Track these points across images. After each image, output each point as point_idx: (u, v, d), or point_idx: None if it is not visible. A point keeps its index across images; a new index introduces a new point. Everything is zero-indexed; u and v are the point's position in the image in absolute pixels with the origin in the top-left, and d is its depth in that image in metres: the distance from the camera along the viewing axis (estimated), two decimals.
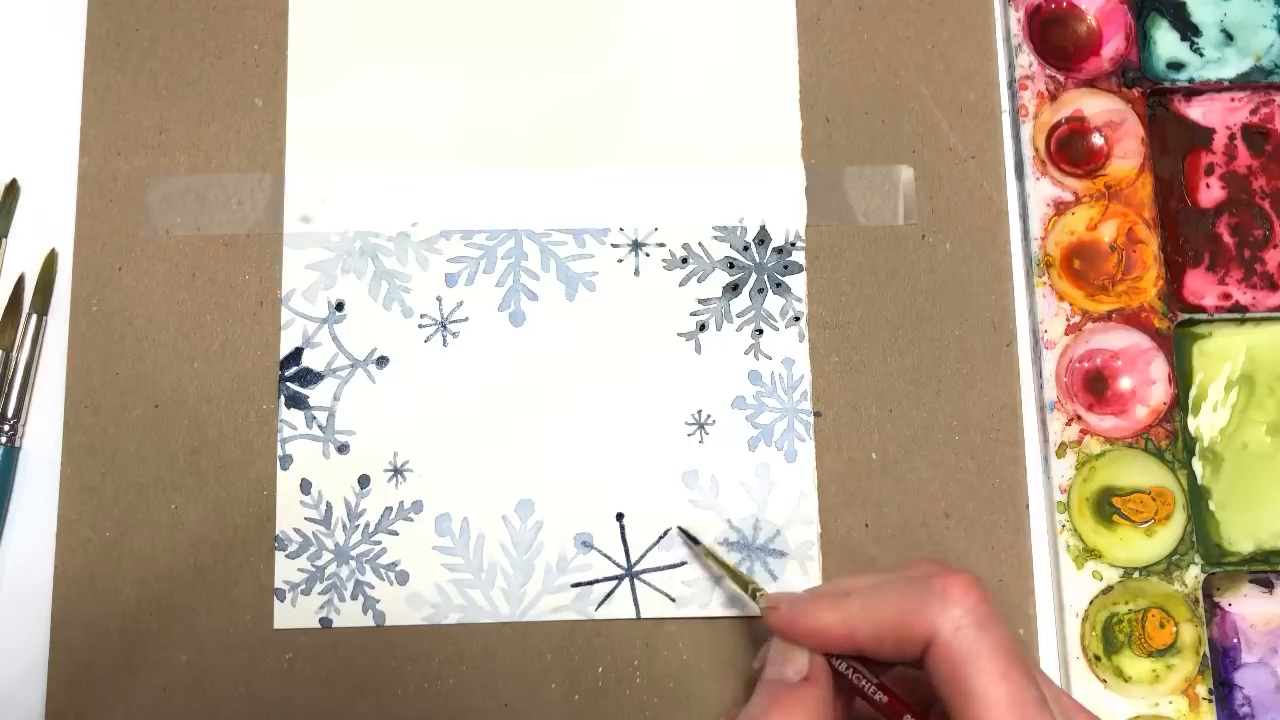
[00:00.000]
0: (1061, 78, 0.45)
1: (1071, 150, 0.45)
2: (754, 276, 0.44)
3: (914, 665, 0.33)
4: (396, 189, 0.44)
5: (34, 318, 0.43)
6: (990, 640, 0.31)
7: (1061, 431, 0.43)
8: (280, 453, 0.42)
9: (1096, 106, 0.45)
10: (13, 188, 0.44)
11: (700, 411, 0.43)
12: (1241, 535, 0.43)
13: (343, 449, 0.42)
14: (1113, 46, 0.46)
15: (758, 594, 0.38)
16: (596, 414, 0.43)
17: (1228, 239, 0.45)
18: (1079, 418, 0.43)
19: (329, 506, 0.42)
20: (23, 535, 0.42)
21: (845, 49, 0.45)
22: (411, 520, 0.42)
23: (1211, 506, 0.43)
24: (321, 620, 0.41)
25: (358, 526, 0.42)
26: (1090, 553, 0.42)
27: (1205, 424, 0.44)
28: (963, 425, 0.43)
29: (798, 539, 0.42)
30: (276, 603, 0.41)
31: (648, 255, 0.44)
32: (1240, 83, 0.46)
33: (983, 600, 0.32)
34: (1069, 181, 0.45)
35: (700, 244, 0.44)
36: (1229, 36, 0.46)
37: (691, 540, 0.41)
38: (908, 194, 0.44)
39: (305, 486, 0.42)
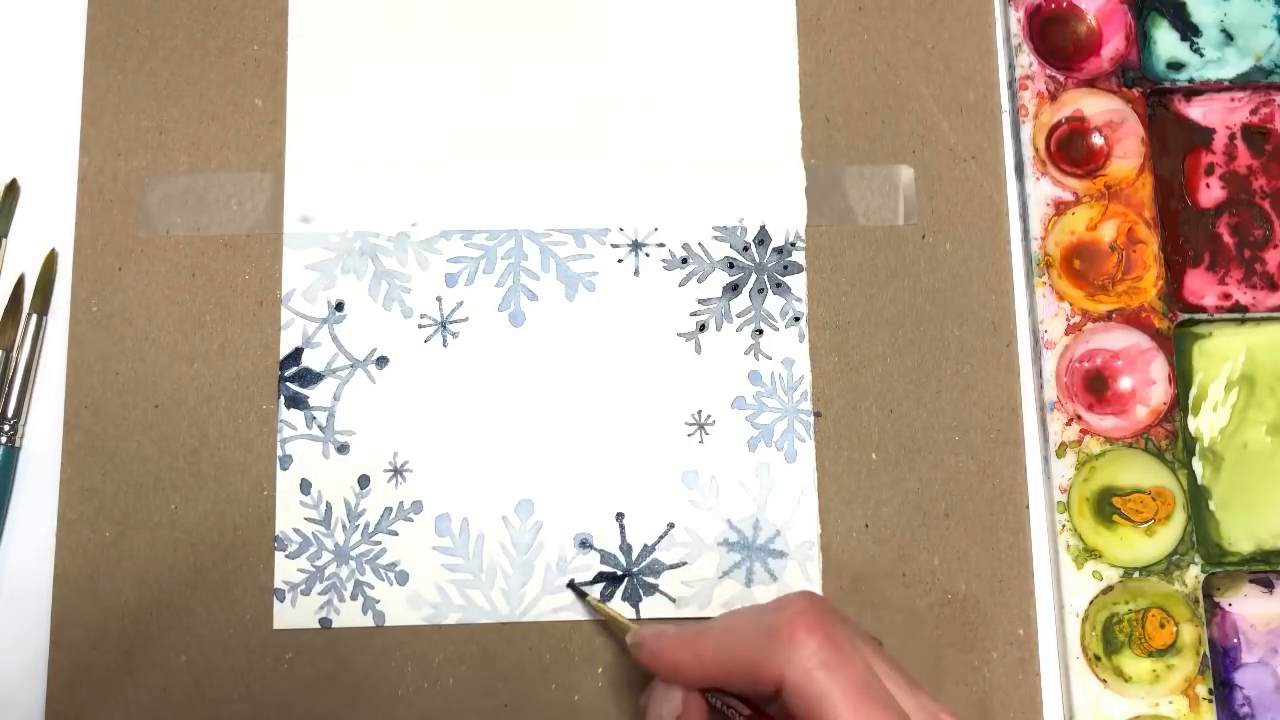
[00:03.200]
0: (1062, 78, 0.45)
1: (1071, 150, 0.45)
2: (754, 276, 0.44)
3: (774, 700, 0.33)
4: (396, 189, 0.44)
5: (34, 318, 0.43)
6: (838, 679, 0.31)
7: (1061, 431, 0.43)
8: (280, 453, 0.42)
9: (1096, 106, 0.45)
10: (13, 188, 0.44)
11: (700, 411, 0.43)
12: (1241, 535, 0.43)
13: (342, 449, 0.42)
14: (1113, 46, 0.46)
15: (628, 633, 0.37)
16: (596, 414, 0.43)
17: (1228, 239, 0.45)
18: (1079, 418, 0.43)
19: (329, 506, 0.42)
20: (23, 535, 0.42)
21: (845, 49, 0.46)
22: (411, 520, 0.42)
23: (1211, 506, 0.43)
24: (321, 620, 0.41)
25: (357, 527, 0.42)
26: (1090, 553, 0.42)
27: (1205, 424, 0.44)
28: (963, 425, 0.43)
29: (798, 539, 0.42)
30: (276, 603, 0.41)
31: (648, 255, 0.44)
32: (1240, 83, 0.46)
33: (828, 639, 0.32)
34: (1069, 181, 0.45)
35: (700, 244, 0.44)
36: (1229, 36, 0.46)
37: (580, 594, 0.41)
38: (908, 194, 0.44)
39: (305, 486, 0.42)
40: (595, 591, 0.41)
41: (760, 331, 0.43)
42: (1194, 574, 0.42)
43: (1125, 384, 0.43)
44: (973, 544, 0.42)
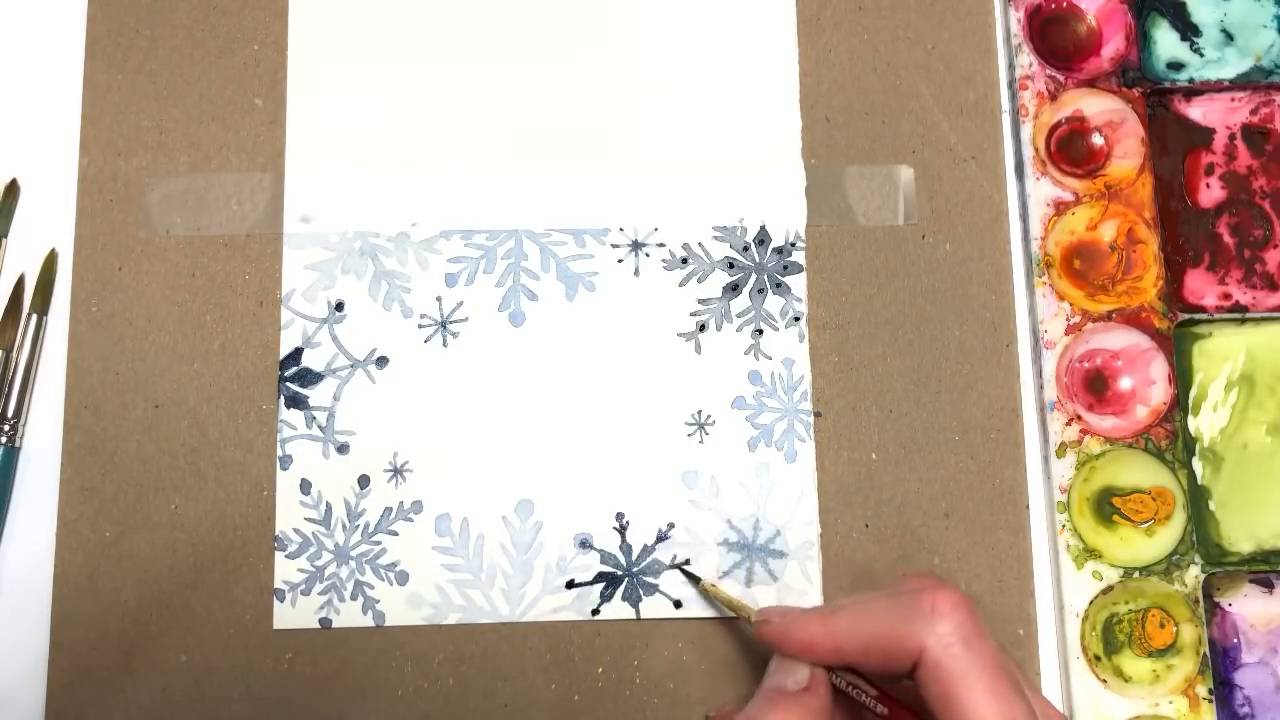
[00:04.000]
0: (1062, 78, 0.45)
1: (1071, 150, 0.45)
2: (754, 277, 0.44)
3: (905, 679, 0.33)
4: (396, 189, 0.44)
5: (34, 318, 0.43)
6: (978, 657, 0.32)
7: (1061, 431, 0.43)
8: (280, 453, 0.42)
9: (1096, 106, 0.45)
10: (13, 188, 0.44)
11: (700, 412, 0.43)
12: (1241, 535, 0.43)
13: (342, 449, 0.42)
14: (1113, 46, 0.46)
15: (751, 614, 0.38)
16: (596, 414, 0.43)
17: (1228, 239, 0.45)
18: (1079, 418, 0.43)
19: (329, 507, 0.42)
20: (23, 535, 0.42)
21: (845, 49, 0.45)
22: (411, 520, 0.42)
23: (1211, 506, 0.43)
24: (321, 620, 0.41)
25: (357, 527, 0.42)
26: (1090, 553, 0.42)
27: (1205, 424, 0.44)
28: (963, 425, 0.43)
29: (798, 539, 0.42)
30: (276, 603, 0.41)
31: (648, 255, 0.44)
32: (1240, 83, 0.46)
33: (971, 617, 0.32)
34: (1069, 181, 0.45)
35: (700, 244, 0.44)
36: (1229, 36, 0.46)
37: (693, 579, 0.41)
38: (908, 194, 0.44)
39: (305, 487, 0.42)
40: (707, 577, 0.41)
41: (760, 331, 0.43)
42: (1194, 574, 0.42)
43: (1125, 384, 0.43)
44: (973, 544, 0.42)
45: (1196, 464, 0.43)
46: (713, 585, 0.41)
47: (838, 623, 0.34)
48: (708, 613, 0.41)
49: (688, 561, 0.42)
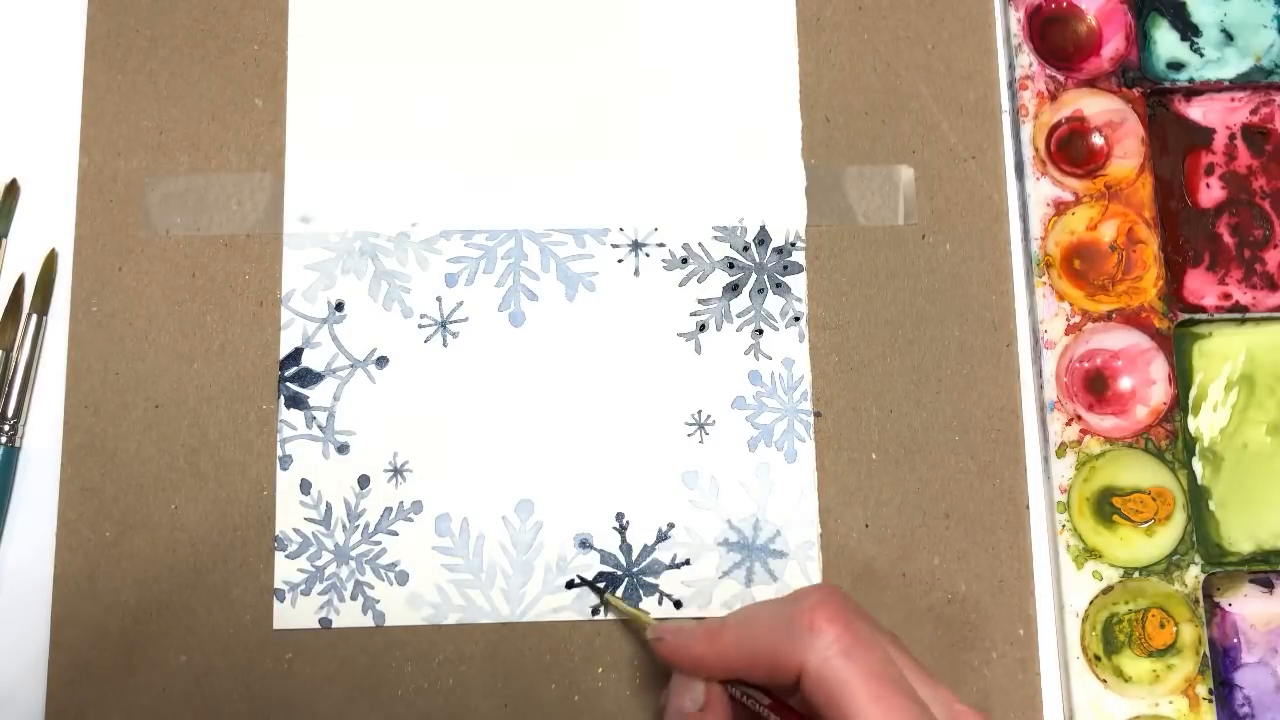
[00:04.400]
0: (1062, 78, 0.45)
1: (1071, 150, 0.45)
2: (754, 276, 0.44)
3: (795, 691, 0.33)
4: (396, 189, 0.44)
5: (34, 318, 0.43)
6: (859, 666, 0.32)
7: (1061, 431, 0.43)
8: (280, 453, 0.42)
9: (1096, 106, 0.45)
10: (13, 188, 0.44)
11: (700, 412, 0.43)
12: (1241, 535, 0.43)
13: (342, 449, 0.42)
14: (1113, 46, 0.46)
15: (648, 629, 0.38)
16: (596, 414, 0.43)
17: (1228, 239, 0.45)
18: (1079, 418, 0.43)
19: (329, 507, 0.42)
20: (23, 535, 0.42)
21: (845, 49, 0.45)
22: (411, 520, 0.42)
23: (1211, 506, 0.43)
24: (321, 620, 0.41)
25: (357, 527, 0.42)
26: (1090, 553, 0.42)
27: (1205, 424, 0.44)
28: (963, 425, 0.43)
29: (798, 539, 0.42)
30: (276, 603, 0.41)
31: (648, 255, 0.44)
32: (1240, 83, 0.46)
33: (848, 628, 0.32)
34: (1069, 181, 0.45)
35: (700, 244, 0.44)
36: (1229, 36, 0.46)
37: (597, 590, 0.41)
38: (908, 194, 0.44)
39: (305, 487, 0.42)
40: (612, 590, 0.41)
41: (760, 331, 0.43)
42: (1194, 574, 0.42)
43: (1125, 384, 0.43)
44: (973, 544, 0.42)
45: (1196, 464, 0.43)
46: (614, 598, 0.41)
47: (723, 640, 0.34)
48: (707, 613, 0.41)
49: (599, 578, 0.42)
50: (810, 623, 0.32)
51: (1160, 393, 0.43)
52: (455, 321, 0.43)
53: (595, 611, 0.41)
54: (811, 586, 0.35)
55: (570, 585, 0.41)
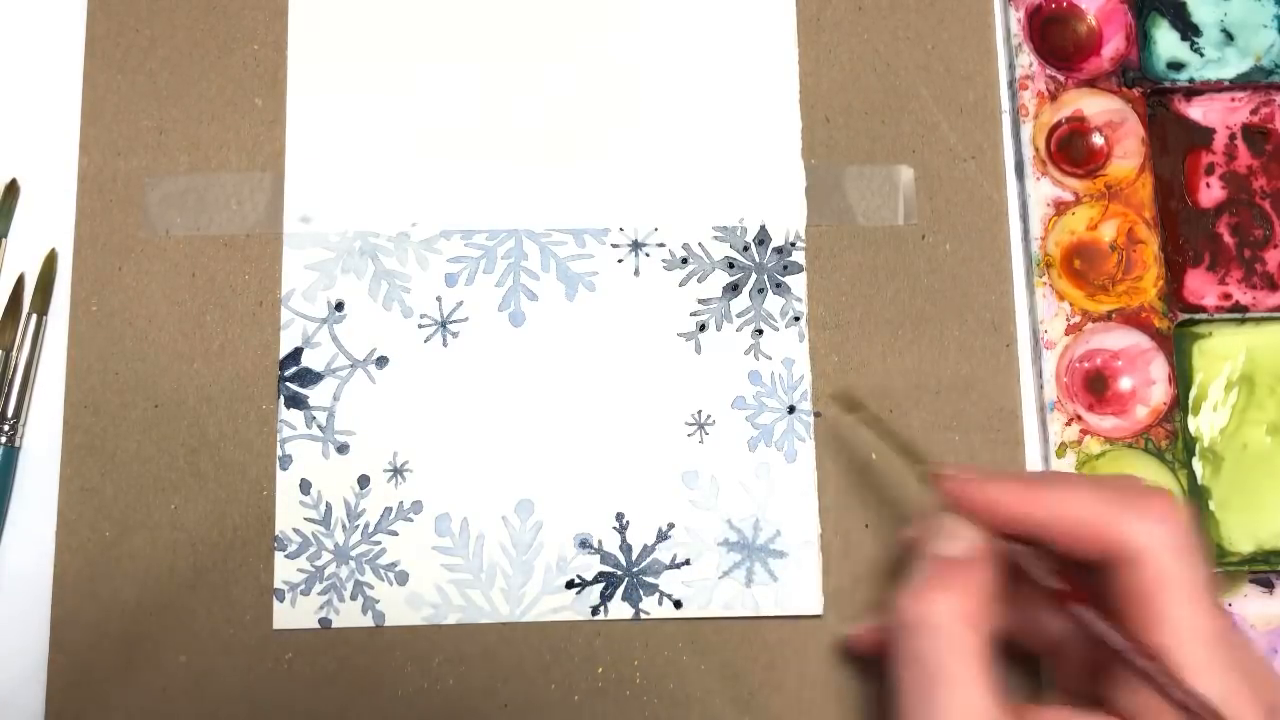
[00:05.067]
0: (1062, 77, 0.45)
1: (1072, 150, 0.45)
2: (754, 276, 0.44)
3: (1087, 567, 0.32)
4: (396, 189, 0.44)
5: (34, 318, 0.43)
6: (1190, 567, 0.30)
7: (1061, 432, 0.43)
8: (280, 453, 0.42)
9: (1097, 106, 0.45)
10: (13, 188, 0.44)
11: (700, 411, 0.43)
12: (1242, 535, 0.43)
13: (342, 449, 0.42)
14: (1113, 46, 0.46)
15: (928, 473, 0.35)
16: (596, 414, 0.43)
17: (1228, 239, 0.45)
18: (1079, 418, 0.43)
19: (329, 506, 0.42)
20: (23, 535, 0.42)
21: (845, 49, 0.45)
22: (411, 520, 0.42)
23: (1212, 507, 0.43)
24: (321, 620, 0.41)
25: (357, 527, 0.42)
26: None
27: (1205, 424, 0.44)
28: (963, 425, 0.43)
29: (798, 539, 0.42)
30: (276, 603, 0.41)
31: (648, 255, 0.44)
32: (1240, 83, 0.46)
33: (1186, 528, 0.31)
34: (1069, 181, 0.45)
35: (700, 244, 0.44)
36: (1229, 36, 0.46)
37: (855, 407, 0.39)
38: (908, 194, 0.44)
39: (305, 486, 0.42)
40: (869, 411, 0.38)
41: (760, 331, 0.43)
42: None
43: (1125, 384, 0.43)
44: None
45: (1196, 464, 0.43)
46: (875, 417, 0.38)
47: (1041, 493, 0.32)
48: (708, 613, 0.41)
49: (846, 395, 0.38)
50: (1157, 509, 0.31)
51: (1160, 393, 0.43)
52: (455, 321, 0.43)
53: (595, 611, 0.41)
54: (1121, 475, 0.33)
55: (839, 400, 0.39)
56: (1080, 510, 0.32)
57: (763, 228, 0.44)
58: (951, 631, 0.31)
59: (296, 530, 0.42)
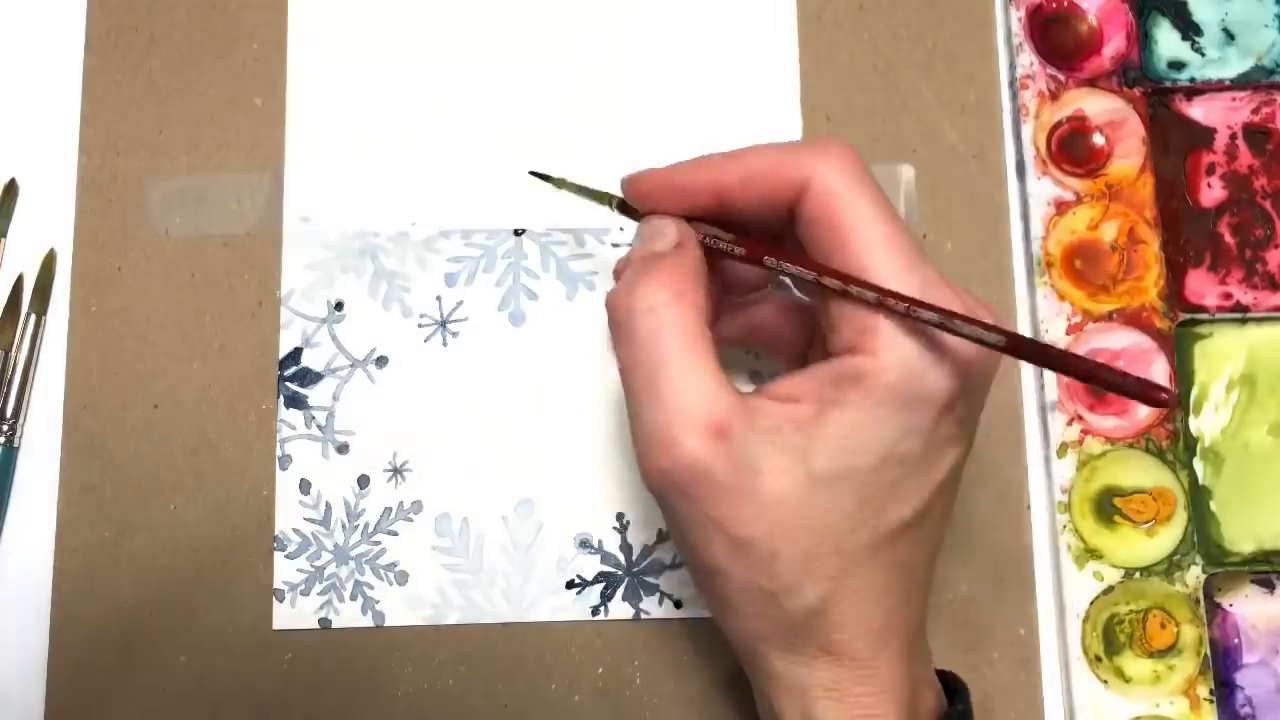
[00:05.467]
0: (1062, 77, 0.45)
1: (1072, 150, 0.45)
2: None
3: (781, 222, 0.33)
4: (396, 188, 0.44)
5: (33, 318, 0.43)
6: (868, 189, 0.31)
7: (1062, 431, 0.43)
8: (279, 453, 0.42)
9: (1097, 106, 0.45)
10: (12, 188, 0.44)
11: None
12: (1243, 535, 0.43)
13: (342, 449, 0.42)
14: (1114, 46, 0.46)
15: (620, 186, 0.36)
16: (596, 414, 0.43)
17: (1229, 239, 0.45)
18: (1080, 418, 0.43)
19: (328, 506, 0.42)
20: (23, 535, 0.42)
21: (845, 49, 0.45)
22: (411, 520, 0.42)
23: (1213, 507, 0.43)
24: (321, 621, 0.41)
25: (357, 527, 0.42)
26: (1091, 553, 0.42)
27: (1206, 424, 0.43)
28: None
29: None
30: (276, 603, 0.41)
31: None
32: (1241, 82, 0.46)
33: (859, 160, 0.32)
34: (1070, 181, 0.44)
35: None
36: (1230, 36, 0.46)
37: (548, 179, 0.39)
38: (908, 193, 0.44)
39: (305, 486, 0.42)
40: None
41: None
42: (1195, 574, 0.42)
43: None
44: (973, 544, 0.42)
45: (1198, 464, 0.43)
46: (566, 181, 0.39)
47: (716, 164, 0.33)
48: (708, 613, 0.41)
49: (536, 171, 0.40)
50: (825, 146, 0.32)
51: None
52: (455, 321, 0.43)
53: (595, 612, 0.41)
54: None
55: (532, 173, 0.40)
56: (749, 165, 0.33)
57: None
58: (668, 309, 0.32)
59: (296, 530, 0.42)
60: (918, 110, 0.45)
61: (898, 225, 0.31)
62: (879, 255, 0.31)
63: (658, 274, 0.32)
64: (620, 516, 0.42)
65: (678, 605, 0.42)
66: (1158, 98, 0.45)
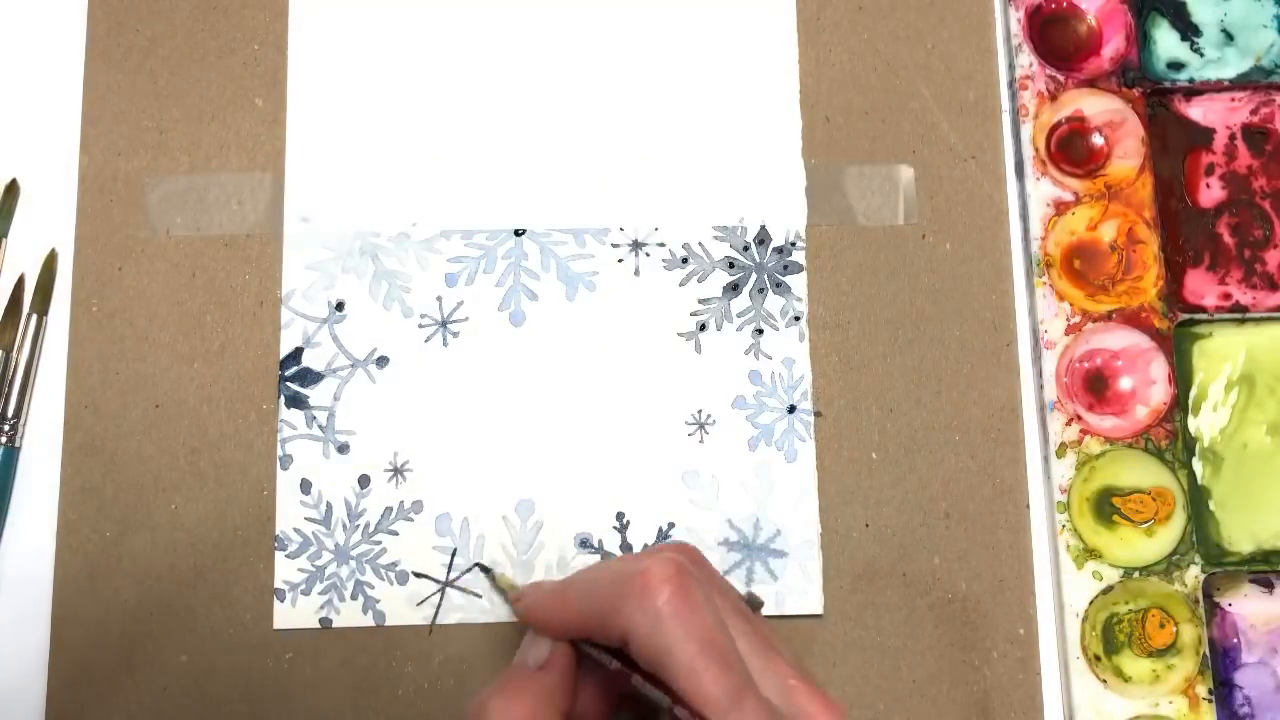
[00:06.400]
0: (1062, 78, 0.45)
1: (1072, 150, 0.45)
2: (754, 276, 0.44)
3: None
4: (396, 189, 0.44)
5: (34, 318, 0.43)
6: (682, 632, 0.31)
7: (1061, 431, 0.43)
8: (280, 453, 0.42)
9: (1097, 106, 0.45)
10: (13, 188, 0.44)
11: (700, 411, 0.43)
12: (1241, 535, 0.43)
13: (343, 449, 0.42)
14: (1113, 46, 0.46)
15: (510, 590, 0.38)
16: (596, 414, 0.43)
17: (1228, 239, 0.45)
18: (1079, 418, 0.43)
19: (329, 506, 0.42)
20: (23, 535, 0.42)
21: (845, 49, 0.45)
22: (411, 520, 0.42)
23: (1211, 506, 0.43)
24: (321, 620, 0.41)
25: (358, 526, 0.42)
26: (1090, 553, 0.42)
27: (1205, 424, 0.44)
28: (963, 425, 0.43)
29: (798, 539, 0.42)
30: (276, 603, 0.41)
31: (648, 255, 0.44)
32: (1240, 83, 0.46)
33: (679, 590, 0.32)
34: (1069, 181, 0.45)
35: (700, 244, 0.44)
36: (1229, 36, 0.46)
37: (486, 571, 0.41)
38: (908, 194, 0.44)
39: (305, 486, 0.42)
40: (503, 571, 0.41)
41: (760, 331, 0.43)
42: (1194, 574, 0.42)
43: (1125, 384, 0.43)
44: (973, 544, 0.42)
45: (1196, 464, 0.43)
46: (501, 575, 0.41)
47: (568, 601, 0.34)
48: None
49: (487, 570, 0.41)
50: (643, 585, 0.32)
51: (1160, 393, 0.43)
52: (455, 321, 0.43)
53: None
54: (661, 545, 0.34)
55: (479, 566, 0.41)
56: (590, 607, 0.33)
57: (763, 227, 0.44)
58: None
59: (297, 530, 0.42)
60: (917, 110, 0.45)
61: (714, 673, 0.31)
62: (702, 702, 0.31)
63: (516, 696, 0.33)
64: (620, 516, 0.42)
65: None
66: (1157, 98, 0.46)
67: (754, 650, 0.32)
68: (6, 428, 0.42)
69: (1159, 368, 0.43)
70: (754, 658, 0.32)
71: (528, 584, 0.38)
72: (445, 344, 0.43)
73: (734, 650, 0.32)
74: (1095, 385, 0.44)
